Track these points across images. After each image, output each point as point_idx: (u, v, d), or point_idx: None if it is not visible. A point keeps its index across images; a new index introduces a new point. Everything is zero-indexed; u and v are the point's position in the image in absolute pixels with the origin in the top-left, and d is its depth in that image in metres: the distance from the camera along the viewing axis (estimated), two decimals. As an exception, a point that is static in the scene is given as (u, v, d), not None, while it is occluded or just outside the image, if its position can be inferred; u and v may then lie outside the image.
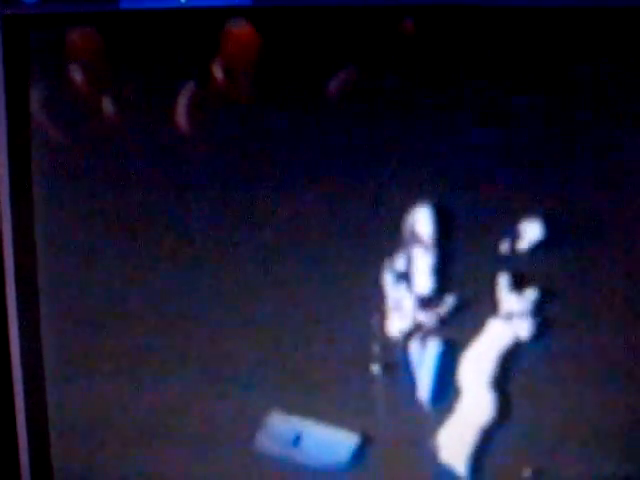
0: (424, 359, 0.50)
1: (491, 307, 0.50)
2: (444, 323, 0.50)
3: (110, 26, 0.50)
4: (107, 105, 0.51)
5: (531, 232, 0.49)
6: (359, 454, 0.51)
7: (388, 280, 0.50)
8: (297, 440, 0.52)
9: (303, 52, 0.49)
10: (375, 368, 0.51)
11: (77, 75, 0.50)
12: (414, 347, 0.50)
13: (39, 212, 0.52)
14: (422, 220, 0.50)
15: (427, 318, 0.50)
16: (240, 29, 0.49)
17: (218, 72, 0.49)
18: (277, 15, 0.49)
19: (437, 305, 0.50)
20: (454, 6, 0.48)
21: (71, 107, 0.51)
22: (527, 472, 0.51)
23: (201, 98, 0.50)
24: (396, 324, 0.50)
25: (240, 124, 0.50)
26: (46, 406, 0.53)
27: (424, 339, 0.50)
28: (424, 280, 0.50)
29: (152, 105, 0.50)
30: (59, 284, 0.52)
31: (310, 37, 0.49)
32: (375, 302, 0.50)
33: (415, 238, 0.50)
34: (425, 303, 0.50)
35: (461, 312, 0.50)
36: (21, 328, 0.52)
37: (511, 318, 0.50)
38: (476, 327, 0.50)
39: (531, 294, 0.49)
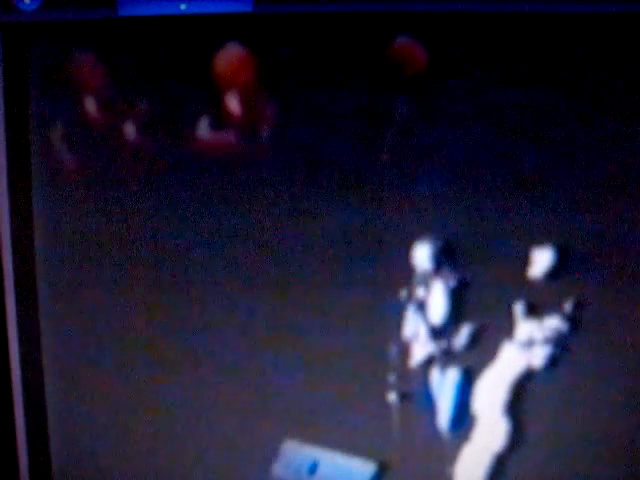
0: (443, 387, 0.50)
1: (507, 335, 0.50)
2: (461, 352, 0.50)
3: (108, 33, 0.50)
4: (106, 113, 0.51)
5: (546, 259, 0.49)
6: (376, 482, 0.51)
7: (405, 310, 0.50)
8: (313, 469, 0.52)
9: (303, 58, 0.49)
10: (392, 397, 0.51)
11: (76, 82, 0.50)
12: (432, 376, 0.50)
13: (38, 217, 0.52)
14: (435, 250, 0.50)
15: (443, 347, 0.50)
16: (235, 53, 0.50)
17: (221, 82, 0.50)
18: (278, 22, 0.49)
19: (453, 334, 0.50)
20: (456, 13, 0.48)
21: (70, 114, 0.51)
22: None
23: (202, 108, 0.50)
24: (413, 353, 0.50)
25: (241, 135, 0.50)
26: (45, 406, 0.53)
27: (442, 367, 0.50)
28: (440, 310, 0.50)
29: (152, 113, 0.50)
30: (59, 284, 0.52)
31: (310, 43, 0.49)
32: (392, 331, 0.50)
33: (430, 268, 0.50)
34: (441, 332, 0.50)
35: (478, 340, 0.50)
36: (20, 329, 0.52)
37: (526, 346, 0.50)
38: (492, 355, 0.50)
39: (546, 322, 0.49)
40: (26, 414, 0.53)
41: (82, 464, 0.54)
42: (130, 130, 0.50)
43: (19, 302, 0.52)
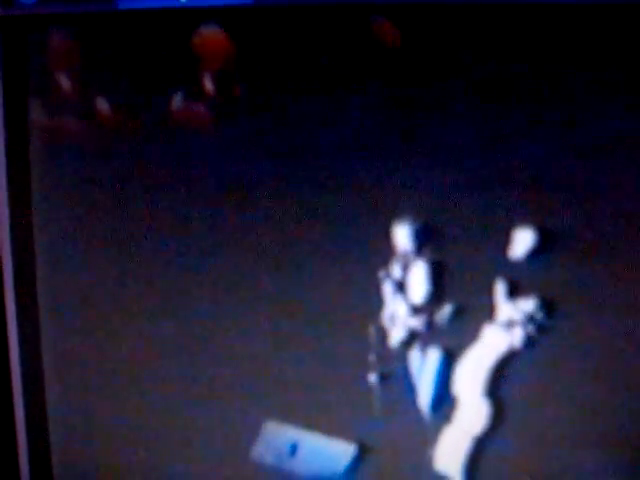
0: (423, 368, 0.50)
1: (488, 316, 0.50)
2: (441, 332, 0.50)
3: (108, 26, 0.50)
4: (104, 105, 0.51)
5: (527, 240, 0.49)
6: (356, 464, 0.51)
7: (385, 290, 0.50)
8: (293, 450, 0.52)
9: (303, 50, 0.49)
10: (372, 378, 0.51)
11: (75, 75, 0.50)
12: (412, 356, 0.50)
13: (37, 216, 0.52)
14: (416, 230, 0.50)
15: (423, 327, 0.50)
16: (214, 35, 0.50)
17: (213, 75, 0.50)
18: (278, 14, 0.49)
19: (433, 314, 0.50)
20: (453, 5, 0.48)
21: (68, 107, 0.51)
22: (524, 480, 0.51)
23: (199, 99, 0.50)
24: (393, 334, 0.50)
25: (235, 126, 0.50)
26: (45, 407, 0.53)
27: (422, 348, 0.50)
28: (420, 290, 0.50)
29: (151, 106, 0.50)
30: (59, 285, 0.52)
31: (311, 36, 0.49)
32: (372, 312, 0.50)
33: (410, 248, 0.50)
34: (421, 312, 0.50)
35: (458, 321, 0.50)
36: (20, 329, 0.52)
37: (507, 327, 0.50)
38: (473, 336, 0.50)
39: (527, 303, 0.49)
40: (26, 413, 0.53)
41: (81, 464, 0.54)
42: (129, 123, 0.51)
43: (18, 303, 0.52)
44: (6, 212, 0.51)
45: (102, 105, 0.51)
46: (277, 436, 0.52)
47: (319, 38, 0.49)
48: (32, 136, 0.51)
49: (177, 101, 0.50)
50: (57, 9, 0.50)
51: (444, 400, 0.51)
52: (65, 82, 0.51)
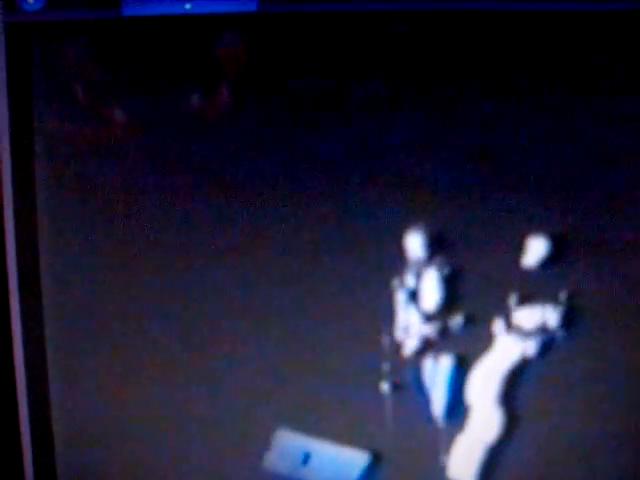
0: (436, 376, 0.50)
1: (500, 325, 0.49)
2: (455, 340, 0.50)
3: (113, 32, 0.50)
4: (110, 112, 0.50)
5: (539, 248, 0.49)
6: (369, 473, 0.51)
7: (398, 299, 0.50)
8: (306, 459, 0.51)
9: (307, 58, 0.49)
10: (385, 386, 0.50)
11: (80, 82, 0.50)
12: (425, 365, 0.50)
13: (42, 217, 0.52)
14: (428, 239, 0.49)
15: (436, 336, 0.50)
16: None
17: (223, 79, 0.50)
18: (282, 21, 0.49)
19: (446, 322, 0.50)
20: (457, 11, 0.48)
21: (74, 114, 0.51)
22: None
23: (206, 106, 0.50)
24: (406, 343, 0.50)
25: (241, 133, 0.50)
26: (49, 407, 0.53)
27: (435, 357, 0.50)
28: (433, 298, 0.50)
29: (155, 111, 0.50)
30: (62, 283, 0.52)
31: (314, 43, 0.49)
32: (385, 321, 0.50)
33: (423, 256, 0.50)
34: (434, 321, 0.50)
35: (471, 329, 0.50)
36: (24, 329, 0.52)
37: (520, 335, 0.49)
38: (486, 344, 0.50)
39: (540, 311, 0.49)
40: (30, 414, 0.53)
41: (85, 465, 0.54)
42: (135, 130, 0.51)
43: (22, 302, 0.52)
44: (11, 214, 0.51)
45: (107, 111, 0.50)
46: (289, 444, 0.51)
47: (323, 44, 0.49)
48: (37, 142, 0.51)
49: (182, 107, 0.50)
50: (62, 16, 0.50)
51: (457, 409, 0.50)
52: (70, 89, 0.51)
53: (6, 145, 0.51)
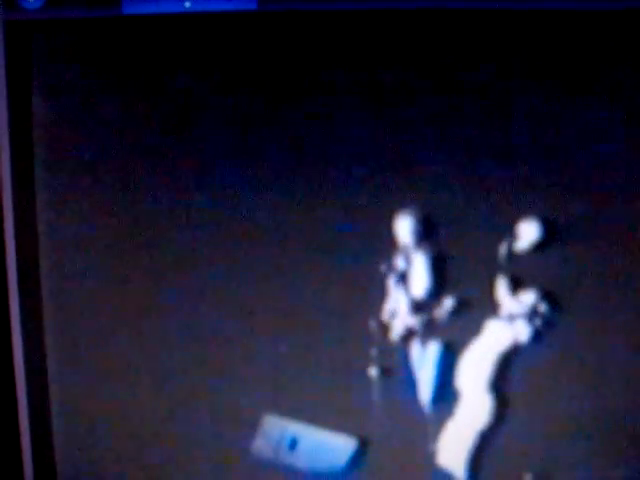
0: (424, 361, 0.50)
1: (490, 309, 0.49)
2: (443, 326, 0.50)
3: (113, 31, 0.50)
4: (109, 111, 0.51)
5: (530, 233, 0.49)
6: (357, 458, 0.51)
7: (386, 284, 0.50)
8: (293, 444, 0.51)
9: (306, 55, 0.49)
10: (373, 371, 0.50)
11: (79, 80, 0.50)
12: (413, 350, 0.50)
13: (42, 212, 0.52)
14: (417, 223, 0.49)
15: (425, 321, 0.50)
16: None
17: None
18: (281, 19, 0.49)
19: (435, 308, 0.50)
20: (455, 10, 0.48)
21: (73, 112, 0.51)
22: (527, 477, 0.50)
23: (206, 104, 0.50)
24: (394, 327, 0.50)
25: (239, 129, 0.50)
26: (49, 407, 0.53)
27: (424, 342, 0.50)
28: (422, 283, 0.49)
29: (156, 108, 0.50)
30: (62, 284, 0.52)
31: (313, 40, 0.49)
32: (372, 306, 0.50)
33: (412, 241, 0.49)
34: (423, 306, 0.50)
35: (460, 314, 0.49)
36: (24, 329, 0.52)
37: (510, 320, 0.49)
38: (475, 330, 0.49)
39: (530, 297, 0.49)
40: (30, 413, 0.53)
41: (83, 464, 0.54)
42: (134, 128, 0.50)
43: (22, 302, 0.52)
44: (10, 214, 0.51)
45: (106, 109, 0.51)
46: (277, 430, 0.51)
47: (322, 42, 0.49)
48: (37, 140, 0.51)
49: (182, 104, 0.50)
50: (62, 14, 0.50)
51: (445, 395, 0.50)
52: (70, 87, 0.51)
53: (5, 143, 0.51)
